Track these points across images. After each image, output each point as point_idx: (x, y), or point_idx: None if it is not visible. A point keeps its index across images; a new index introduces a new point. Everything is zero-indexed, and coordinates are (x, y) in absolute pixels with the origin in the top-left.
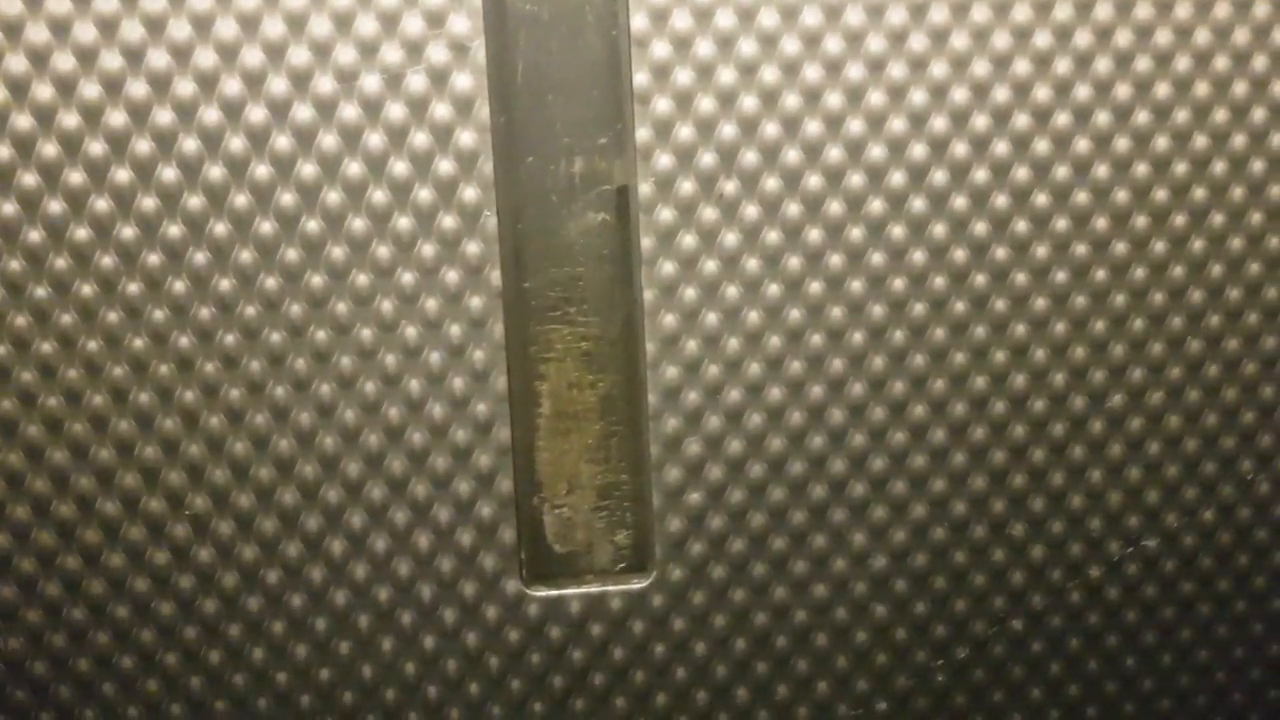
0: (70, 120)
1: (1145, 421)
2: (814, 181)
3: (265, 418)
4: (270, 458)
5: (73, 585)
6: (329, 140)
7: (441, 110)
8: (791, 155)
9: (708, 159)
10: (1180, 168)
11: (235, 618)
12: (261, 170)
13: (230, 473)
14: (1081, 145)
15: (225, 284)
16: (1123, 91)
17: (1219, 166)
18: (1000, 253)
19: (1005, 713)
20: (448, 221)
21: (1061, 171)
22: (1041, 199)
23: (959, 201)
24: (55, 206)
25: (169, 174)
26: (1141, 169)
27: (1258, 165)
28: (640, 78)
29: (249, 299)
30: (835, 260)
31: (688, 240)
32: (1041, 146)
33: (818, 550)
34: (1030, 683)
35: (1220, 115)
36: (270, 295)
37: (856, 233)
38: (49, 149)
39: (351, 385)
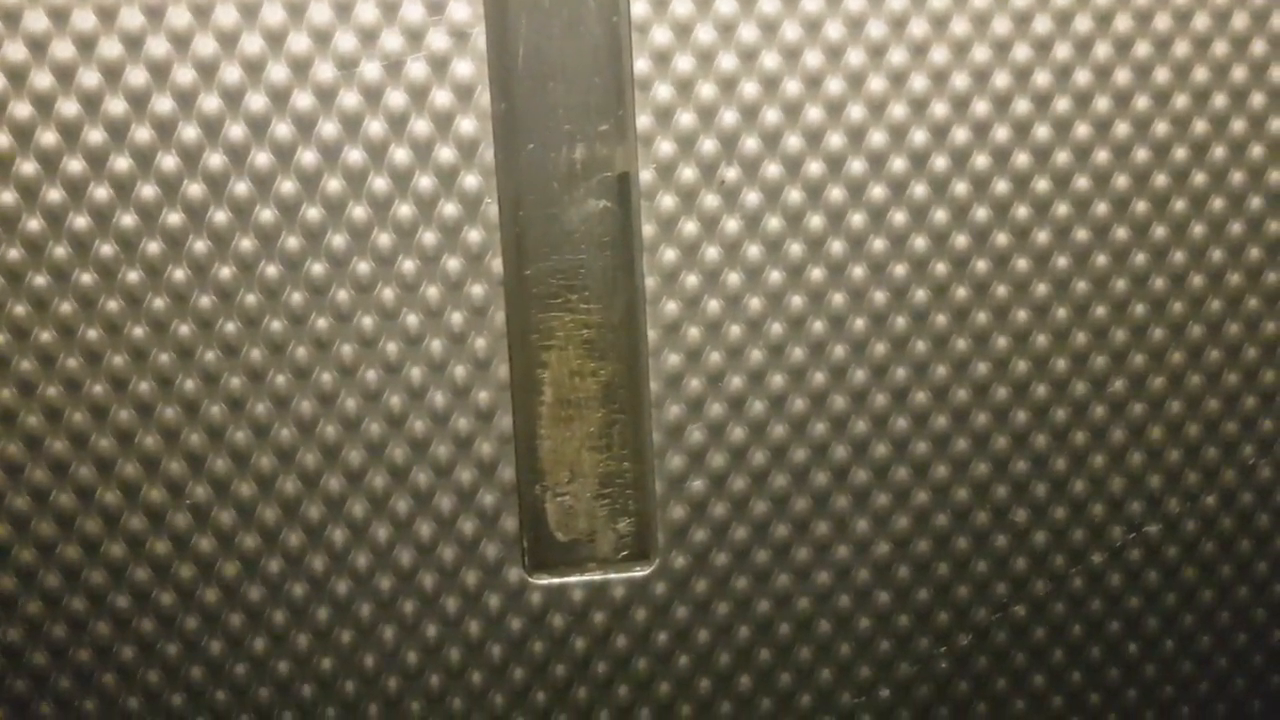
0: (69, 108)
1: (1147, 407)
2: (815, 168)
3: (266, 406)
4: (271, 447)
5: (72, 575)
6: (329, 128)
7: (442, 97)
8: (793, 142)
9: (709, 146)
10: (1180, 153)
11: (236, 608)
12: (261, 158)
13: (231, 462)
14: (1081, 131)
15: (225, 272)
16: (1122, 77)
17: (1218, 152)
18: (1001, 239)
19: (1008, 700)
20: (449, 209)
21: (1062, 158)
22: (1042, 185)
23: (960, 188)
24: (54, 195)
25: (168, 162)
26: (1141, 154)
27: (1257, 150)
28: (641, 64)
29: (249, 287)
30: (836, 247)
31: (689, 227)
32: (1042, 133)
33: (820, 538)
34: (1033, 670)
35: (1219, 101)
36: (270, 284)
37: (858, 219)
38: (48, 137)
39: (352, 374)
